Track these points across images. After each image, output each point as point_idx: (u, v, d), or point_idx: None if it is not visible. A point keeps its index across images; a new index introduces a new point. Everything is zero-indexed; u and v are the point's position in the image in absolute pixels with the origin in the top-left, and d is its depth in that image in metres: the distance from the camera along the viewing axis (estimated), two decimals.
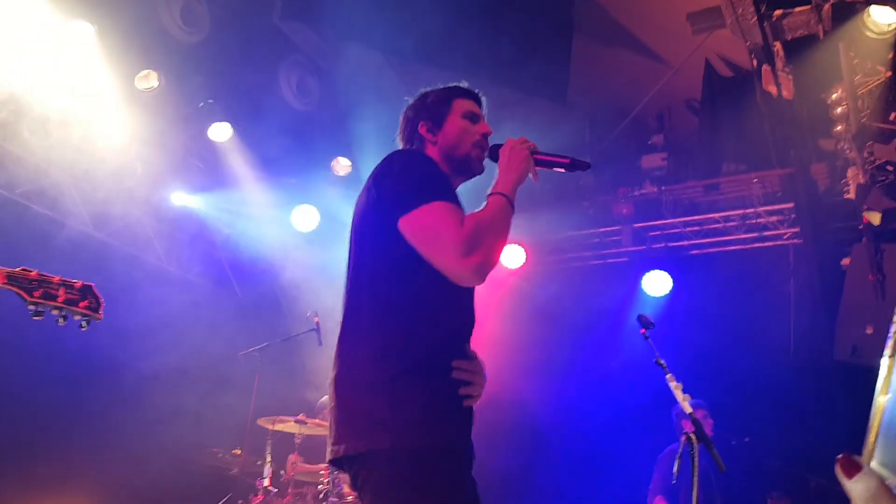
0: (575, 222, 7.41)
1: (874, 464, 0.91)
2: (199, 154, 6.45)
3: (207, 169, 6.60)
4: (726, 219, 7.01)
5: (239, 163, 6.52)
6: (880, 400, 0.95)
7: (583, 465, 6.58)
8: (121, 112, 5.77)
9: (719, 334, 6.46)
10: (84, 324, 2.27)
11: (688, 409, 3.43)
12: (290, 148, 6.42)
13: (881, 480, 0.81)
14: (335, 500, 5.11)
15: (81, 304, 2.25)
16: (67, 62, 5.46)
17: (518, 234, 7.52)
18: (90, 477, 5.69)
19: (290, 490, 5.34)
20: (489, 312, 7.50)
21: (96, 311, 2.29)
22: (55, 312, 2.22)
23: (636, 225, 7.31)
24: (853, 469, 0.83)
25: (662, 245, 7.27)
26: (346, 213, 7.02)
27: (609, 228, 7.43)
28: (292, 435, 5.62)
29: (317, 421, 5.53)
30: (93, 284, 2.30)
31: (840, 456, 0.86)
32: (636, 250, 7.33)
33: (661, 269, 7.14)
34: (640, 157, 7.19)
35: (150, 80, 5.82)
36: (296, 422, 5.43)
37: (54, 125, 5.60)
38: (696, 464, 3.29)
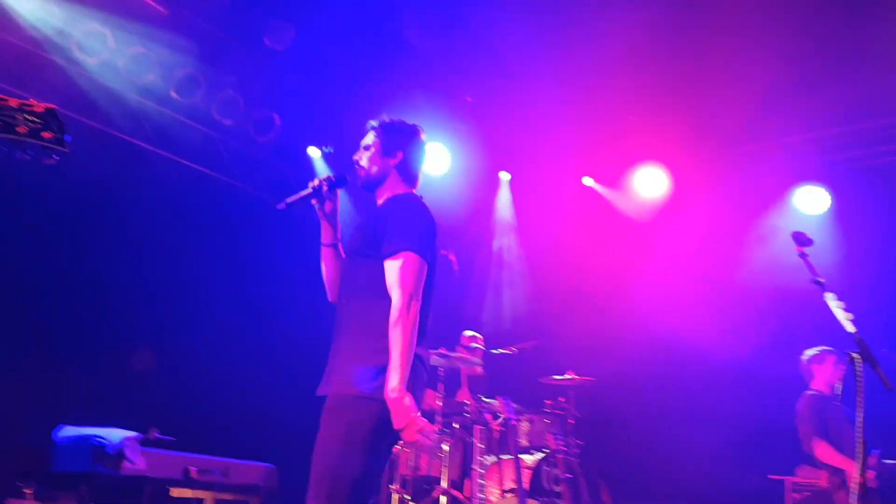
0: (719, 140, 6.97)
1: None
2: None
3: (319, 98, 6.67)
4: (891, 125, 6.34)
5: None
6: None
7: (739, 384, 6.37)
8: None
9: (883, 252, 5.95)
10: (51, 158, 1.87)
11: (850, 328, 3.20)
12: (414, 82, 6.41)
13: None
14: (481, 428, 5.25)
15: (45, 135, 1.86)
16: None
17: (659, 158, 7.23)
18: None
19: (437, 419, 5.53)
20: (638, 245, 7.31)
21: (61, 142, 1.88)
22: (15, 145, 1.79)
23: (786, 138, 6.77)
24: None
25: (817, 158, 6.71)
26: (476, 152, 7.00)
27: (755, 145, 6.95)
28: (435, 367, 5.79)
29: (456, 354, 5.67)
30: (55, 107, 1.88)
31: None
32: (787, 165, 6.82)
33: (816, 183, 6.64)
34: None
35: None
36: (438, 354, 5.58)
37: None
38: (861, 385, 3.07)
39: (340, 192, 2.90)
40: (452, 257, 5.91)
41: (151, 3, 5.49)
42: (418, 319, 2.50)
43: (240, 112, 6.44)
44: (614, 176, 7.52)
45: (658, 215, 7.31)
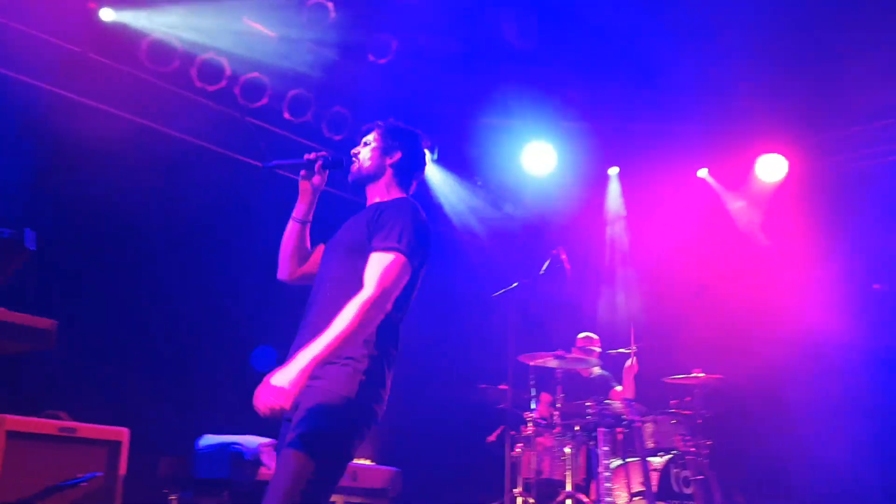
0: (842, 118, 6.55)
1: None
2: None
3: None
4: None
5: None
6: None
7: (879, 377, 5.97)
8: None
9: None
10: None
11: None
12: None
13: None
14: (605, 430, 5.15)
15: None
16: None
17: (775, 142, 6.88)
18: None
19: (557, 421, 5.47)
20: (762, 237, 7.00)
21: None
22: None
23: None
24: None
25: None
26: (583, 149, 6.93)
27: (886, 121, 6.49)
28: (553, 369, 5.73)
29: (573, 355, 5.59)
30: None
31: None
32: None
33: None
34: None
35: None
36: (554, 357, 5.52)
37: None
38: None
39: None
40: (563, 255, 5.83)
41: (263, 29, 5.75)
42: (373, 321, 2.37)
43: (349, 127, 6.65)
44: (734, 166, 7.22)
45: (783, 204, 6.95)
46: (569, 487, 5.18)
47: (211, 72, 5.85)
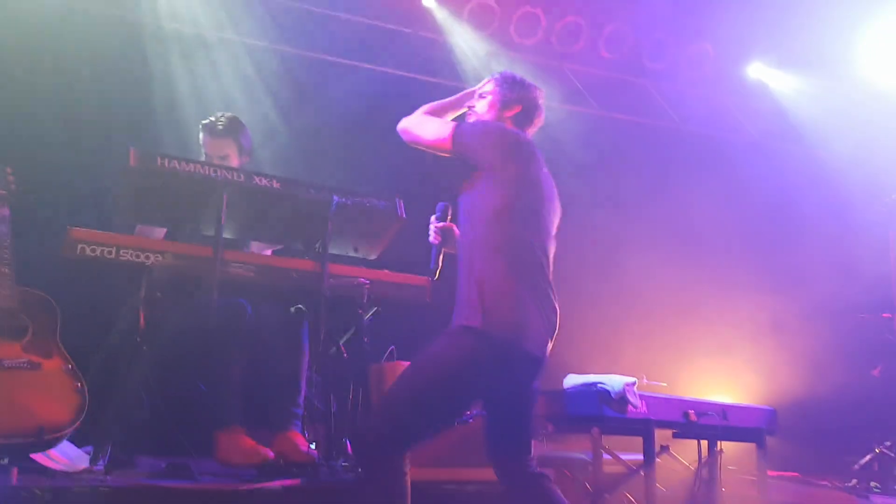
0: None
1: None
2: None
3: None
4: None
5: None
6: None
7: None
8: None
9: None
10: None
11: None
12: None
13: None
14: None
15: None
16: None
17: None
18: None
19: None
20: None
21: None
22: None
23: None
24: None
25: None
26: None
27: None
28: None
29: None
30: None
31: None
32: None
33: None
34: None
35: None
36: None
37: None
38: None
39: None
40: None
41: None
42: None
43: (670, 54, 6.33)
44: None
45: None
46: None
47: (527, 26, 5.94)
